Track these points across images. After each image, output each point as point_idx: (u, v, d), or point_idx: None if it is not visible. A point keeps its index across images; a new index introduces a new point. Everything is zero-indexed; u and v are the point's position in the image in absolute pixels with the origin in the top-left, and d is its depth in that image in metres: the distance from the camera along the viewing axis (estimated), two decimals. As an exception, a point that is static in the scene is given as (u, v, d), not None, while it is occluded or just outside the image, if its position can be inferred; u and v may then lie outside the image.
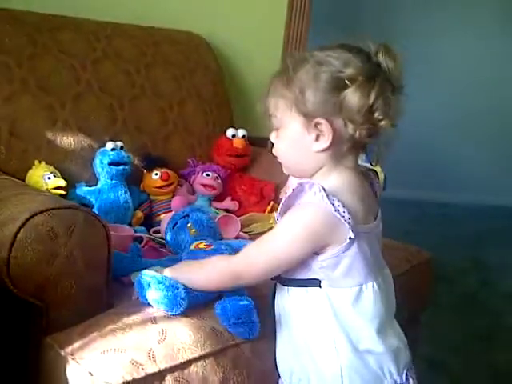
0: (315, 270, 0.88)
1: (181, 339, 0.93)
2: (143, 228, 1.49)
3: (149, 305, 0.99)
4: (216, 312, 0.97)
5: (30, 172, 1.39)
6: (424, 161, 3.73)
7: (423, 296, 1.54)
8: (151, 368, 0.88)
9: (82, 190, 1.46)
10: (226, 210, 1.66)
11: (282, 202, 0.89)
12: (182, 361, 0.91)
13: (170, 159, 1.67)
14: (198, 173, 1.70)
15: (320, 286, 0.89)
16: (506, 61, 3.89)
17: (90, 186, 1.48)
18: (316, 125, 0.87)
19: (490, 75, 3.86)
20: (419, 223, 3.45)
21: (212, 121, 1.88)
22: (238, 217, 1.53)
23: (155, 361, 0.89)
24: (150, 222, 1.57)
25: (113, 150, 1.48)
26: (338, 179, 0.90)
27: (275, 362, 0.99)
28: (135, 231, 1.41)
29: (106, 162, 1.46)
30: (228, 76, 2.06)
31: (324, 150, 0.88)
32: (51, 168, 1.40)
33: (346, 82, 0.84)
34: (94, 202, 1.45)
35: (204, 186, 1.67)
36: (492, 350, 2.08)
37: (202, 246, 1.15)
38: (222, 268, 0.96)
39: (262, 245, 0.92)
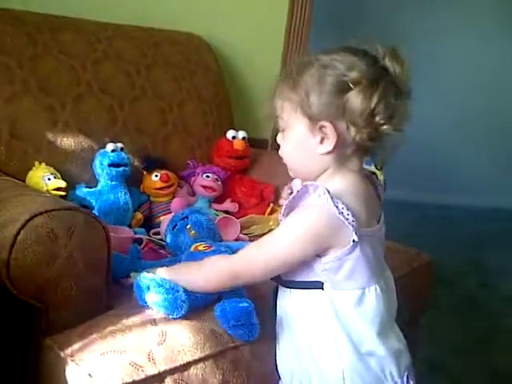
0: (318, 273, 0.88)
1: (180, 341, 0.93)
2: (143, 230, 1.49)
3: (148, 307, 0.99)
4: (216, 314, 0.97)
5: (31, 173, 1.39)
6: (424, 163, 3.73)
7: (423, 298, 1.54)
8: (151, 370, 0.88)
9: (82, 191, 1.45)
10: (226, 212, 1.66)
11: (286, 203, 0.89)
12: (182, 363, 0.91)
13: (169, 160, 1.66)
14: (198, 174, 1.70)
15: (323, 289, 0.89)
16: (506, 63, 3.89)
17: (90, 187, 1.48)
18: (321, 128, 0.87)
19: (491, 77, 3.86)
20: (419, 225, 3.45)
21: (212, 122, 1.88)
22: (237, 218, 1.53)
23: (155, 363, 0.89)
24: (149, 223, 1.57)
25: (113, 151, 1.48)
26: (342, 182, 0.90)
27: (275, 363, 0.99)
28: (135, 233, 1.41)
29: (106, 163, 1.46)
30: (228, 77, 2.06)
31: (328, 153, 0.88)
32: (51, 169, 1.40)
33: (350, 85, 0.84)
34: (93, 203, 1.44)
35: (204, 187, 1.67)
36: (491, 351, 2.08)
37: (201, 247, 1.15)
38: (220, 267, 0.96)
39: (262, 245, 0.92)
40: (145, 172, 1.60)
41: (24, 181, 1.37)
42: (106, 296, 1.05)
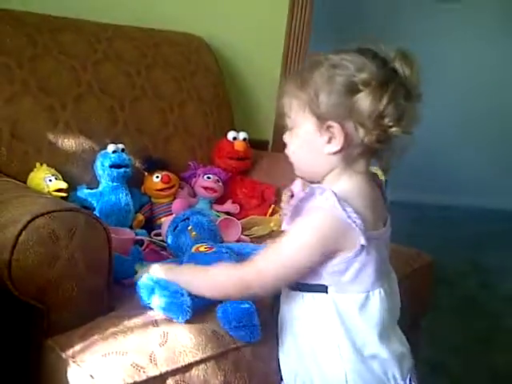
0: (323, 276, 0.88)
1: (182, 342, 0.93)
2: (144, 231, 1.49)
3: (150, 308, 0.99)
4: (217, 315, 0.97)
5: (32, 174, 1.39)
6: (425, 163, 3.72)
7: (424, 300, 1.54)
8: (152, 371, 0.88)
9: (83, 192, 1.45)
10: (227, 213, 1.66)
11: (293, 205, 0.88)
12: (184, 364, 0.91)
13: (170, 161, 1.66)
14: (199, 175, 1.70)
15: (327, 292, 0.89)
16: (506, 63, 3.88)
17: (91, 188, 1.48)
18: (328, 127, 0.87)
19: (491, 78, 3.86)
20: (420, 225, 3.45)
21: (212, 123, 1.88)
22: (238, 220, 1.53)
23: (156, 364, 0.89)
24: (150, 224, 1.57)
25: (114, 152, 1.48)
26: (348, 183, 0.89)
27: (278, 364, 0.99)
28: (136, 234, 1.41)
29: (107, 164, 1.46)
30: (228, 78, 2.06)
31: (335, 153, 0.88)
32: (52, 170, 1.40)
33: (360, 86, 0.84)
34: (95, 204, 1.44)
35: (205, 188, 1.67)
36: (491, 351, 2.08)
37: (202, 248, 1.15)
38: (231, 275, 0.93)
39: (271, 254, 0.90)
40: (146, 173, 1.60)
41: (25, 182, 1.37)
42: (108, 297, 1.05)
